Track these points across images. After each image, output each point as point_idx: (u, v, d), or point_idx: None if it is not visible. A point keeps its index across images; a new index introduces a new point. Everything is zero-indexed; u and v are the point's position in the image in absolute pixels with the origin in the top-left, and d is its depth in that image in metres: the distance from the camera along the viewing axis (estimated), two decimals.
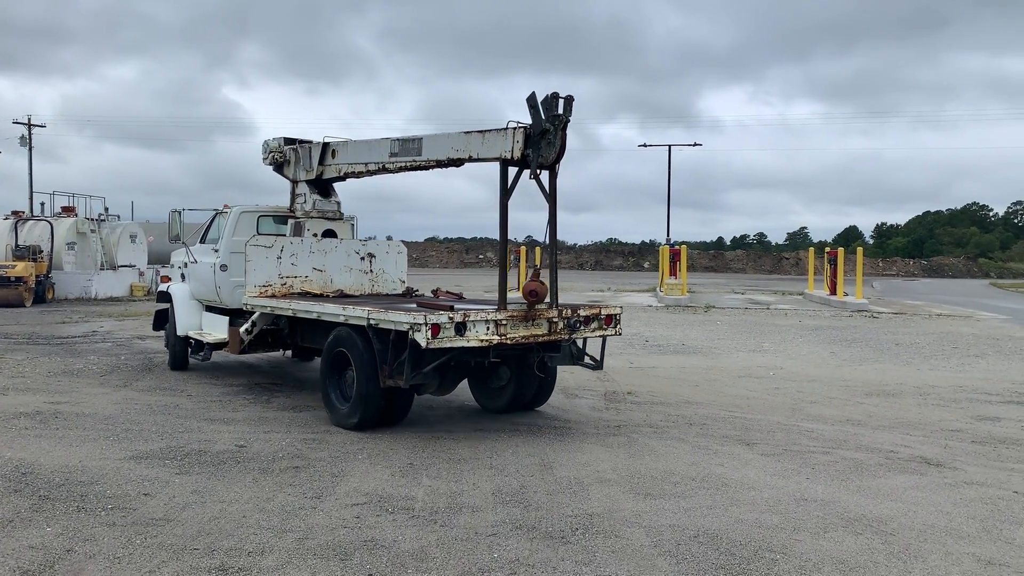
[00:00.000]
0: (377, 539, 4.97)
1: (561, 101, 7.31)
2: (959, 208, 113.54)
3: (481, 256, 78.54)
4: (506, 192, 7.64)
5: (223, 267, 10.61)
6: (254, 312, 9.79)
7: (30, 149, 47.80)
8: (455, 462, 6.79)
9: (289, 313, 9.19)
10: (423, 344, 6.99)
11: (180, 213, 11.19)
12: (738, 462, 6.93)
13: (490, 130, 7.83)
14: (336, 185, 10.84)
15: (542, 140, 7.34)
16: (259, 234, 10.58)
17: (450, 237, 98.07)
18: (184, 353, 11.63)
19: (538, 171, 7.49)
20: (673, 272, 32.68)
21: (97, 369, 11.74)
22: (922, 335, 17.94)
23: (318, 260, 10.32)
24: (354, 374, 7.86)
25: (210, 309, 11.27)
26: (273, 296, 9.77)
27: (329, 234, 10.68)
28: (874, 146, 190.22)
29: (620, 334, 8.56)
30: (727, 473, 6.56)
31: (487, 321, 7.34)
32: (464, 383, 8.89)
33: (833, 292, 28.10)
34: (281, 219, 11.02)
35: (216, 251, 10.84)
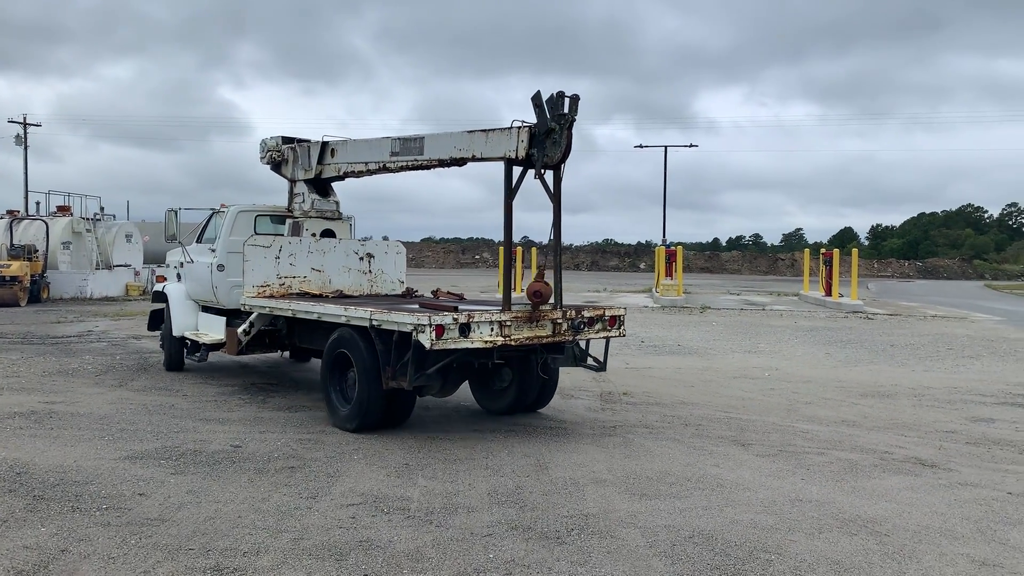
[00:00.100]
0: (372, 539, 4.97)
1: (567, 100, 7.27)
2: (954, 210, 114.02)
3: (477, 257, 78.53)
4: (510, 192, 7.60)
5: (220, 267, 10.58)
6: (252, 313, 9.71)
7: (25, 148, 47.74)
8: (451, 462, 6.80)
9: (288, 314, 9.10)
10: (427, 345, 6.92)
11: (176, 212, 11.10)
12: (733, 463, 6.94)
13: (494, 129, 7.78)
14: (332, 185, 10.81)
15: (547, 140, 7.31)
16: (257, 234, 10.53)
17: (446, 237, 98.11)
18: (180, 354, 11.57)
19: (542, 171, 7.46)
20: (669, 273, 32.74)
21: (92, 369, 11.72)
22: (917, 336, 17.99)
23: (316, 260, 10.26)
24: (356, 376, 7.80)
25: (206, 309, 11.22)
26: (271, 296, 9.70)
27: (328, 234, 10.63)
28: (869, 147, 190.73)
29: (624, 335, 8.50)
30: (722, 474, 6.57)
31: (491, 322, 7.28)
32: (465, 385, 8.83)
33: (828, 293, 28.15)
34: (278, 219, 10.95)
35: (213, 251, 10.79)
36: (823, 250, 32.65)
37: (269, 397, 9.77)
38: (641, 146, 58.23)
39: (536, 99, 7.33)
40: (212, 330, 10.86)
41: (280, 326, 9.73)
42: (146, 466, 6.50)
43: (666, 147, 55.52)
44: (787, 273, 70.64)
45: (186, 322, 11.38)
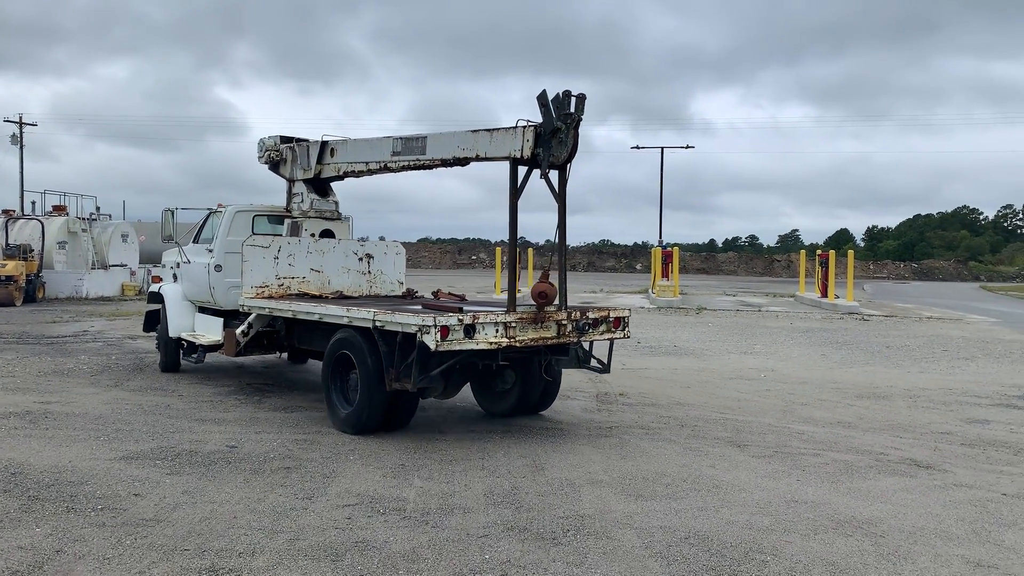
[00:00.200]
0: (368, 540, 4.96)
1: (574, 99, 7.20)
2: (949, 211, 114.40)
3: (474, 257, 78.52)
4: (515, 192, 7.51)
5: (217, 267, 10.53)
6: (250, 313, 9.63)
7: (21, 148, 47.70)
8: (447, 463, 6.79)
9: (289, 315, 9.01)
10: (432, 347, 6.86)
11: (173, 212, 11.02)
12: (729, 464, 6.95)
13: (499, 128, 7.71)
14: (331, 185, 10.77)
15: (553, 139, 7.24)
16: (255, 234, 10.47)
17: (443, 238, 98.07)
18: (176, 355, 11.51)
19: (547, 171, 7.40)
20: (665, 274, 32.78)
21: (87, 369, 11.69)
22: (912, 338, 18.03)
23: (316, 261, 10.20)
24: (358, 377, 7.73)
25: (203, 310, 11.16)
26: (270, 297, 9.65)
27: (327, 234, 10.57)
28: (865, 149, 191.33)
29: (628, 337, 8.44)
30: (718, 475, 6.58)
31: (496, 323, 7.22)
32: (466, 386, 8.79)
33: (824, 294, 28.21)
34: (277, 219, 10.88)
35: (210, 251, 10.73)
36: (819, 251, 32.70)
37: (265, 398, 9.76)
38: (637, 147, 58.47)
39: (542, 98, 7.25)
40: (209, 331, 10.81)
41: (279, 327, 9.66)
42: (141, 466, 6.49)
43: (662, 148, 55.75)
44: (783, 274, 70.74)
45: (182, 323, 11.33)
